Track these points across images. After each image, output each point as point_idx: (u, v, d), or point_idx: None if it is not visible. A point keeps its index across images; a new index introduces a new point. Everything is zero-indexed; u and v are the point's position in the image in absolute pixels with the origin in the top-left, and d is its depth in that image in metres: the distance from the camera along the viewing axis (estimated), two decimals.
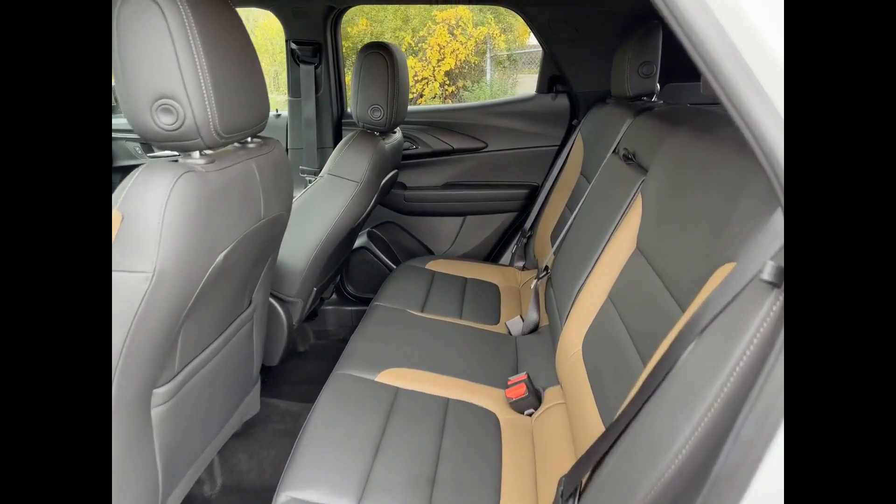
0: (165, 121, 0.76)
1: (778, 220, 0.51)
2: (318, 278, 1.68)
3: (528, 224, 2.04)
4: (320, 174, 1.61)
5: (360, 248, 2.26)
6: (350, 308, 2.26)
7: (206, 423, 1.13)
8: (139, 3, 0.71)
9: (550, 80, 2.11)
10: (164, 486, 0.99)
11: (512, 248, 2.20)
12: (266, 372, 1.59)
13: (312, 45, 2.03)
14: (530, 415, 1.17)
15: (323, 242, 1.55)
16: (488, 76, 9.15)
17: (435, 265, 1.94)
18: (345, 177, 1.56)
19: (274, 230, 1.12)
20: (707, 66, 0.49)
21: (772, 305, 0.49)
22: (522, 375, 1.22)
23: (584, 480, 0.76)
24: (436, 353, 1.34)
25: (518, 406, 1.17)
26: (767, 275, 0.50)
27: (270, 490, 0.92)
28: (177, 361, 0.94)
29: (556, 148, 2.14)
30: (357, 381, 1.20)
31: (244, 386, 1.30)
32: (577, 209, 1.50)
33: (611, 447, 0.70)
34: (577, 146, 1.92)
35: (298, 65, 2.06)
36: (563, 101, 2.12)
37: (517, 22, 10.56)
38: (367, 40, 1.58)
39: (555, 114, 2.13)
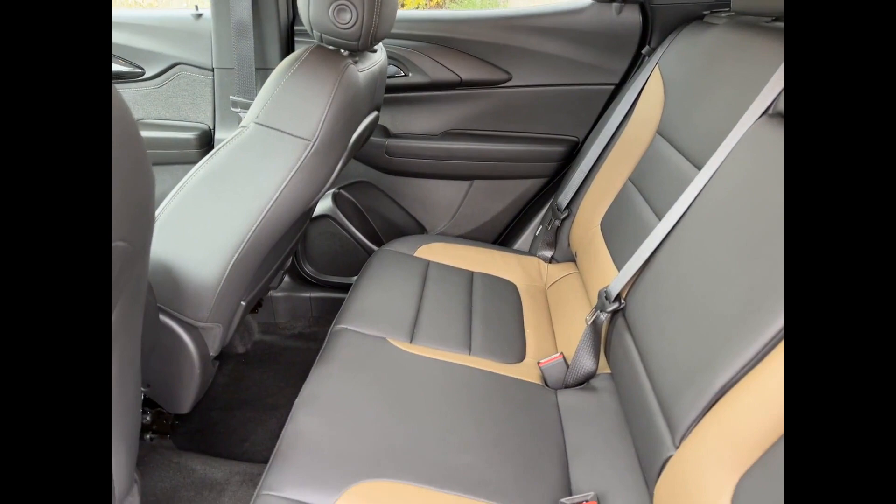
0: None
1: None
2: (247, 289, 1.05)
3: (562, 199, 1.41)
4: (244, 120, 0.93)
5: (323, 216, 1.64)
6: (308, 294, 1.68)
7: None
8: None
9: None
10: None
11: (535, 229, 1.58)
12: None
13: None
14: None
15: (250, 241, 0.92)
16: None
17: (428, 251, 1.37)
18: (286, 131, 0.89)
19: None
20: None
21: None
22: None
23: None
24: (435, 445, 0.82)
25: None
26: None
27: None
28: None
29: (613, 88, 1.48)
30: None
31: None
32: (680, 214, 0.88)
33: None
34: (653, 88, 1.26)
35: None
36: (631, 17, 1.42)
37: None
38: None
39: (616, 35, 1.44)
